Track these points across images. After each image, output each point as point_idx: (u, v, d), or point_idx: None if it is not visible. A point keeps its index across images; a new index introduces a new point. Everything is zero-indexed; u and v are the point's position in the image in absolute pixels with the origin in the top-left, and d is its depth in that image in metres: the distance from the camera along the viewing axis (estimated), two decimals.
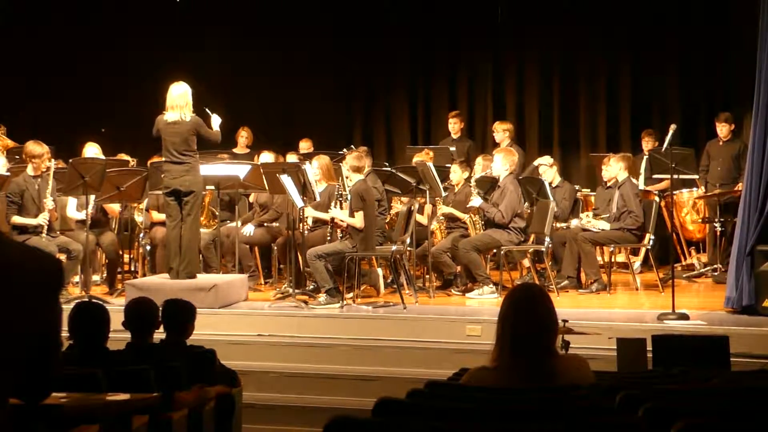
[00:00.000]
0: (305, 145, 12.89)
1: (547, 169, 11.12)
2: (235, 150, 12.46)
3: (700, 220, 11.27)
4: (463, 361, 6.33)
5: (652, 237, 10.17)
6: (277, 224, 10.65)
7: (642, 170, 11.62)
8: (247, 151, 12.54)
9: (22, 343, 2.43)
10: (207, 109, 9.48)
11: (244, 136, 12.80)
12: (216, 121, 9.45)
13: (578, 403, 3.31)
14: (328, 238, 9.60)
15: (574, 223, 10.42)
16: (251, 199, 11.11)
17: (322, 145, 12.83)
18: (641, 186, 11.29)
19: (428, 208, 10.38)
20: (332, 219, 9.60)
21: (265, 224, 10.65)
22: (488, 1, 13.59)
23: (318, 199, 9.64)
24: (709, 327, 7.89)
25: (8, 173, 10.05)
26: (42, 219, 9.32)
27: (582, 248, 10.00)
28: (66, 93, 14.45)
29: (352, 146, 11.75)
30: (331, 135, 13.66)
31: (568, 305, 8.91)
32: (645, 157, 11.53)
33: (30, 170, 9.47)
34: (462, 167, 10.65)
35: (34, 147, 9.56)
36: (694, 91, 13.10)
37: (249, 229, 10.54)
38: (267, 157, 11.08)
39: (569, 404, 3.30)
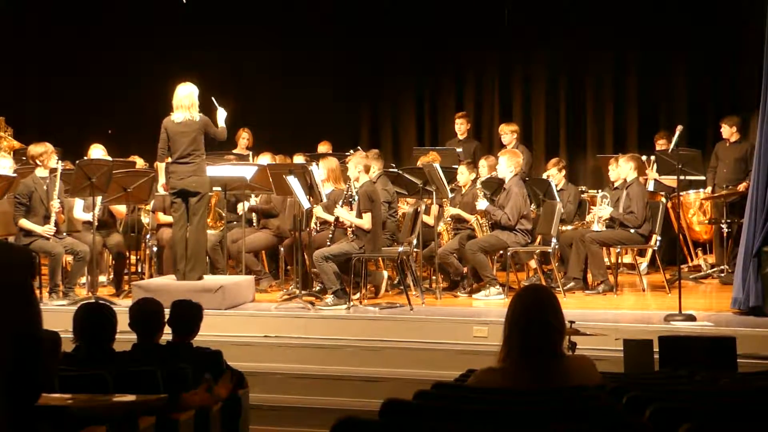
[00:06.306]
0: (323, 148, 12.70)
1: (555, 172, 11.12)
2: (234, 151, 12.33)
3: (706, 221, 11.25)
4: (469, 362, 6.32)
5: (659, 238, 10.15)
6: (276, 220, 10.58)
7: (655, 172, 11.57)
8: (248, 152, 12.45)
9: (2, 343, 2.40)
10: (213, 99, 9.46)
11: (244, 137, 12.74)
12: (221, 115, 9.42)
13: (585, 404, 3.30)
14: (330, 237, 9.57)
15: (589, 217, 10.47)
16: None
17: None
18: (651, 187, 11.27)
19: (435, 209, 10.37)
20: (337, 219, 9.58)
21: (266, 227, 10.62)
22: (495, 2, 13.58)
23: (325, 200, 9.63)
24: (716, 328, 7.88)
25: (15, 174, 10.07)
26: (48, 228, 9.33)
27: (589, 249, 9.99)
28: (72, 94, 14.47)
29: (359, 147, 11.72)
30: (338, 137, 13.63)
31: (574, 306, 8.89)
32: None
33: (39, 171, 9.48)
34: (469, 168, 10.63)
35: (35, 148, 9.59)
36: (701, 92, 13.08)
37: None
38: (265, 160, 10.91)
39: (576, 405, 3.30)
